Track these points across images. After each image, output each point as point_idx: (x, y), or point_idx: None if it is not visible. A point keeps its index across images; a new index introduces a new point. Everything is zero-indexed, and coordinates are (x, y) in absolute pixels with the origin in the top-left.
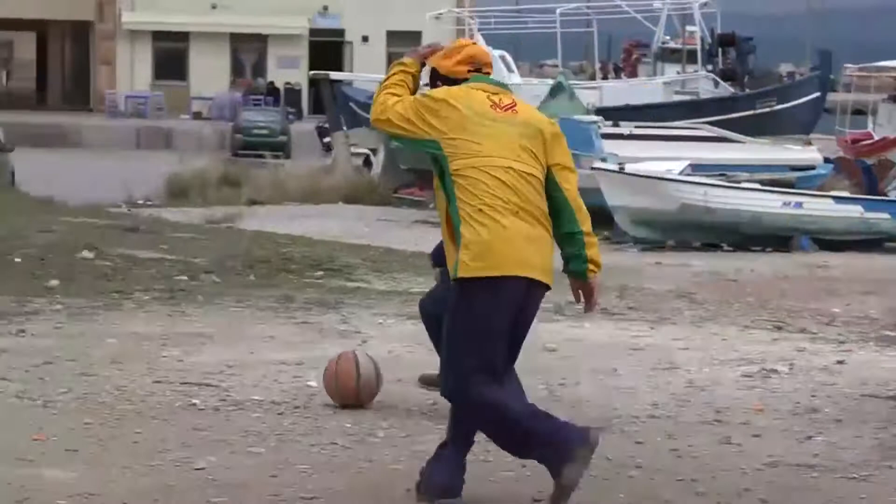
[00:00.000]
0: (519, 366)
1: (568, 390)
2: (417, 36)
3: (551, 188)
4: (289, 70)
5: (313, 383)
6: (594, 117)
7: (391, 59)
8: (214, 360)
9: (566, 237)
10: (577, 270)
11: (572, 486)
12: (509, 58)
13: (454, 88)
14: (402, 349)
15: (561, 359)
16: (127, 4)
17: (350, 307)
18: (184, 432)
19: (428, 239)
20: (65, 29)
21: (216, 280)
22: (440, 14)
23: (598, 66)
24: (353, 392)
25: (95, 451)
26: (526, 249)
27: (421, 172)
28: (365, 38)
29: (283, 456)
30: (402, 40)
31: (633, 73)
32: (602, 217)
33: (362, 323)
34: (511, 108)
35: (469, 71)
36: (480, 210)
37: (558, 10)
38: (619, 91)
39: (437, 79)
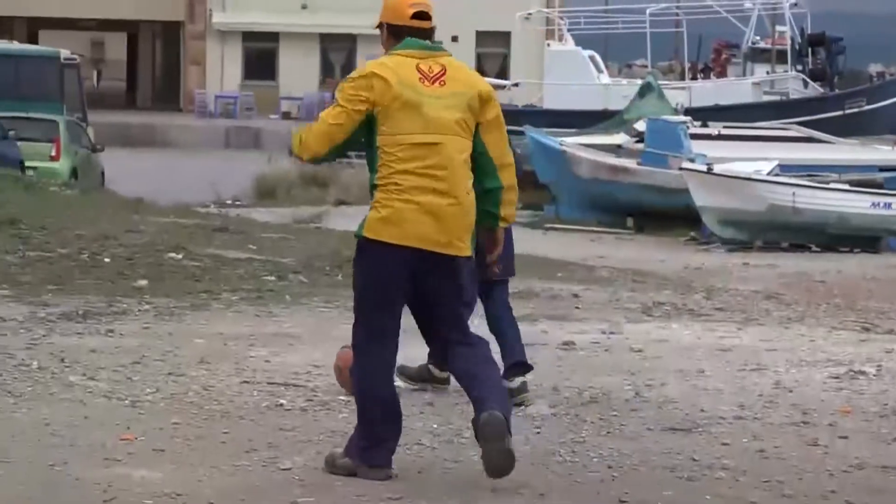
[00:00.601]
0: (607, 365)
1: (654, 391)
2: (507, 36)
3: (476, 145)
4: None
5: (400, 384)
6: (683, 117)
7: (480, 59)
8: (301, 361)
9: (485, 193)
10: (488, 224)
11: (494, 465)
12: (598, 58)
13: (383, 59)
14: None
15: (647, 359)
16: (217, 5)
17: None
18: (270, 432)
19: (516, 239)
20: (155, 29)
21: (304, 280)
22: (529, 14)
23: (687, 66)
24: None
25: (183, 451)
26: (429, 224)
27: None
28: (454, 38)
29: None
30: (491, 40)
31: (722, 74)
32: (690, 217)
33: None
34: (440, 77)
35: (412, 16)
36: (397, 184)
37: (648, 11)
38: (708, 91)
39: (389, 33)
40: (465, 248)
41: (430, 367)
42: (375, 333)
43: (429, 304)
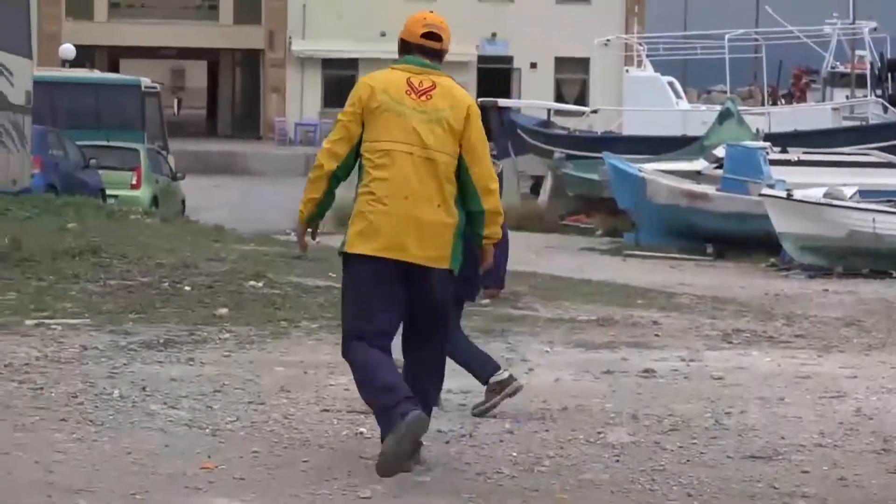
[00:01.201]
0: (687, 393)
1: (734, 419)
2: (585, 63)
3: (460, 168)
4: None
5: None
6: (762, 143)
7: (559, 85)
8: None
9: (470, 215)
10: (475, 243)
11: (389, 454)
12: (677, 84)
13: (375, 74)
14: (568, 377)
15: (727, 386)
16: (297, 33)
17: (516, 335)
18: (350, 461)
19: (596, 266)
20: (235, 57)
21: None
22: (608, 40)
23: (767, 91)
24: None
25: (263, 480)
26: (408, 235)
27: (588, 199)
28: (533, 65)
29: (449, 485)
30: (570, 67)
31: (801, 99)
32: (769, 243)
33: (529, 350)
34: (427, 92)
35: (422, 35)
36: (371, 192)
37: (727, 36)
38: (788, 117)
39: (400, 49)
40: (441, 261)
41: (487, 386)
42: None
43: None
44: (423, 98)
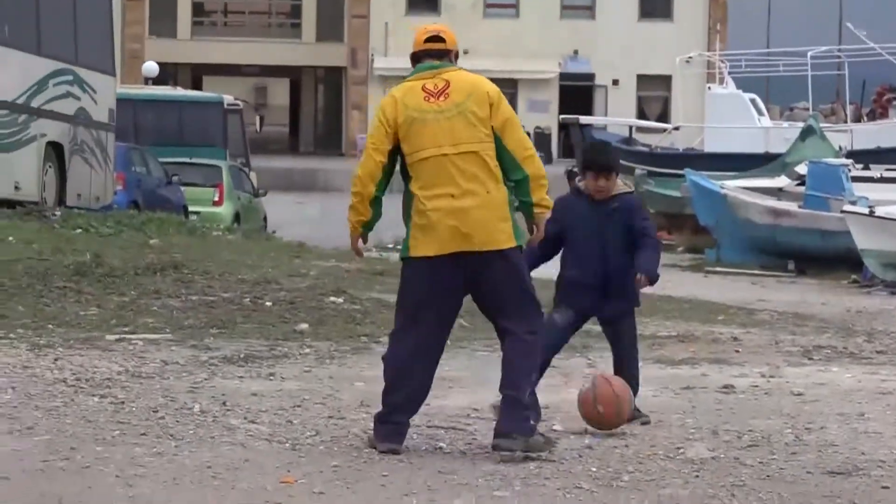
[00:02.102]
0: (766, 408)
1: (814, 435)
2: (667, 80)
3: (498, 146)
4: (539, 114)
5: (558, 426)
6: (844, 160)
7: (641, 102)
8: (461, 404)
9: (515, 184)
10: (527, 213)
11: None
12: (759, 101)
13: (394, 90)
14: (649, 393)
15: (807, 402)
16: (379, 50)
17: (596, 350)
18: (430, 475)
19: (675, 282)
20: (318, 75)
21: (465, 324)
22: (690, 58)
23: (850, 108)
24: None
25: (343, 494)
26: (456, 227)
27: (670, 216)
28: (615, 82)
29: (529, 500)
30: (652, 84)
31: (883, 115)
32: (851, 260)
33: (608, 366)
34: (444, 91)
35: (425, 40)
36: (422, 198)
37: (809, 54)
38: (871, 133)
39: (412, 62)
40: (503, 241)
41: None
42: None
43: (485, 299)
44: (441, 99)
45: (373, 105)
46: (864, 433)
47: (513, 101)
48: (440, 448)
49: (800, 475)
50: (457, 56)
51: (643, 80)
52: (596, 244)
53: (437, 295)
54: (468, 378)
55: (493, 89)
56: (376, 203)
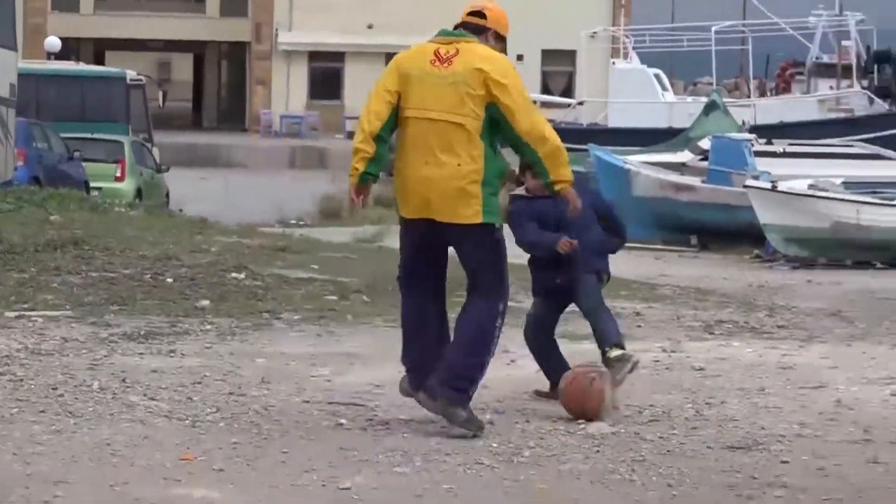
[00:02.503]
0: (668, 383)
1: (714, 410)
2: (572, 55)
3: (505, 127)
4: None
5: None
6: (747, 135)
7: (546, 77)
8: (363, 380)
9: (531, 166)
10: (551, 191)
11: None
12: (663, 76)
13: (405, 52)
14: None
15: (708, 377)
16: (283, 25)
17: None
18: (330, 452)
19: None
20: (221, 50)
21: (366, 300)
22: (595, 32)
23: (753, 84)
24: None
25: (242, 471)
26: (423, 195)
27: None
28: (520, 57)
29: (429, 476)
30: (557, 59)
31: (786, 90)
32: (754, 235)
33: (511, 342)
34: (450, 59)
35: (467, 13)
36: (402, 158)
37: (713, 28)
38: (774, 108)
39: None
40: (468, 216)
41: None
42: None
43: (461, 264)
44: (446, 65)
45: (277, 80)
46: (765, 408)
47: None
48: (341, 424)
49: (700, 450)
50: (497, 36)
51: (548, 55)
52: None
53: (421, 251)
54: (369, 354)
55: (497, 69)
56: (380, 142)
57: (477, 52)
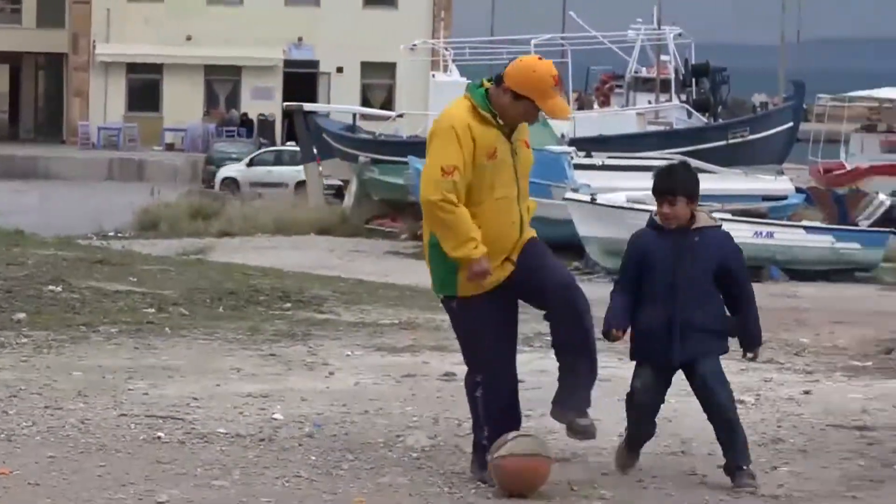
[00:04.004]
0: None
1: (533, 422)
2: (392, 67)
3: None
4: (263, 101)
5: (279, 416)
6: (567, 148)
7: (366, 90)
8: (181, 393)
9: None
10: None
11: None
12: None
13: None
14: (369, 381)
15: (528, 390)
16: (101, 37)
17: (318, 339)
18: (148, 465)
19: (400, 270)
20: (38, 61)
21: (184, 312)
22: (414, 45)
23: (573, 96)
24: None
25: (58, 485)
26: None
27: (394, 203)
28: (339, 70)
29: (247, 489)
30: (376, 71)
31: (606, 104)
32: (574, 247)
33: (329, 355)
34: None
35: None
36: None
37: (532, 41)
38: (593, 121)
39: None
40: (435, 288)
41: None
42: None
43: None
44: None
45: (94, 91)
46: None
47: (236, 89)
48: (159, 438)
49: None
50: (499, 81)
51: (367, 67)
52: (667, 283)
53: None
54: (187, 367)
55: (436, 126)
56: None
57: (443, 113)
